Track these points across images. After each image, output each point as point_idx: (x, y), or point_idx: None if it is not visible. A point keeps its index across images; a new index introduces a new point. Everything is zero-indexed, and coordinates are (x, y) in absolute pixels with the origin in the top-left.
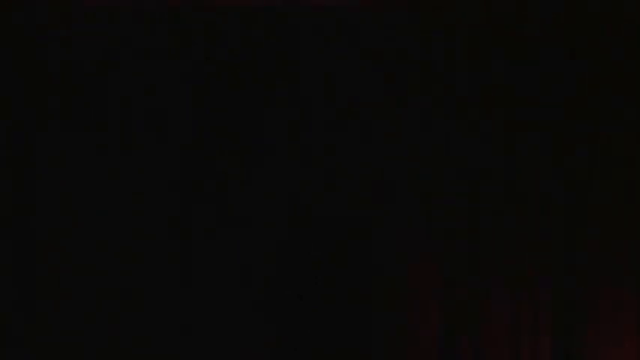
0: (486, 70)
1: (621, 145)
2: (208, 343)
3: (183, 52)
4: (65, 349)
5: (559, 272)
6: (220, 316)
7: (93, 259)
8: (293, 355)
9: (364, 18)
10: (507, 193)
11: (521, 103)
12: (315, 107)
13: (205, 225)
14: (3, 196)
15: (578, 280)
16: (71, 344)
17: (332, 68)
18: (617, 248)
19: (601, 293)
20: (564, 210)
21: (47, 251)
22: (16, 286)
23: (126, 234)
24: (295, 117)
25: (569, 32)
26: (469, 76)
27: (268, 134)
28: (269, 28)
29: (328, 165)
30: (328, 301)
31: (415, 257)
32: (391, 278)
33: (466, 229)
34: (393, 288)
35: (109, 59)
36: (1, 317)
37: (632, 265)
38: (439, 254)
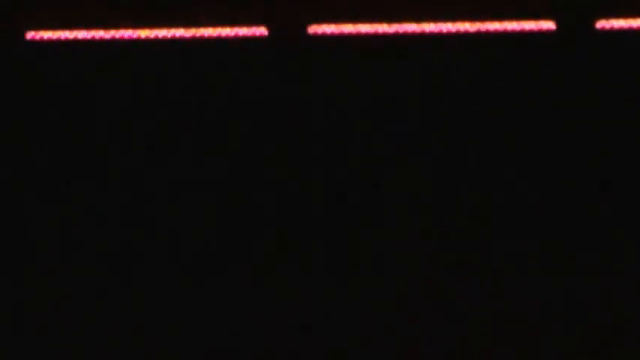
0: (487, 72)
1: (621, 145)
2: (208, 343)
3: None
4: (65, 349)
5: (559, 272)
6: (221, 316)
7: (93, 259)
8: (293, 355)
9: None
10: (507, 193)
11: (521, 103)
12: (314, 110)
13: (207, 225)
14: (3, 196)
15: (579, 280)
16: (71, 344)
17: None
18: (617, 248)
19: (601, 293)
20: (564, 210)
21: (47, 251)
22: (15, 286)
23: (126, 234)
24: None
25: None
26: (470, 80)
27: (266, 137)
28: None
29: (328, 165)
30: (328, 299)
31: (415, 257)
32: (391, 278)
33: (466, 229)
34: (392, 288)
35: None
36: (1, 317)
37: (633, 264)
38: (439, 254)
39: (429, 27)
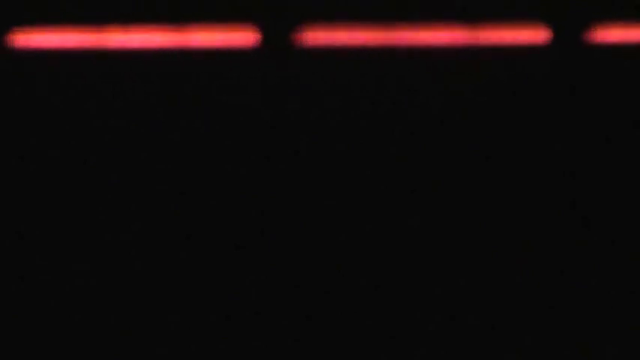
0: (481, 83)
1: (621, 144)
2: (209, 344)
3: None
4: (64, 349)
5: (560, 272)
6: (221, 317)
7: (93, 259)
8: (294, 356)
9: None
10: (507, 192)
11: (521, 101)
12: (304, 120)
13: (206, 225)
14: (3, 195)
15: (579, 279)
16: (69, 344)
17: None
18: (618, 248)
19: (601, 292)
20: (565, 209)
21: (47, 251)
22: (15, 286)
23: (126, 234)
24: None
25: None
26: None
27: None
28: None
29: (328, 163)
30: (328, 301)
31: (414, 255)
32: (390, 278)
33: (466, 229)
34: (392, 287)
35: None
36: (1, 317)
37: (633, 263)
38: (438, 253)
39: (424, 35)
